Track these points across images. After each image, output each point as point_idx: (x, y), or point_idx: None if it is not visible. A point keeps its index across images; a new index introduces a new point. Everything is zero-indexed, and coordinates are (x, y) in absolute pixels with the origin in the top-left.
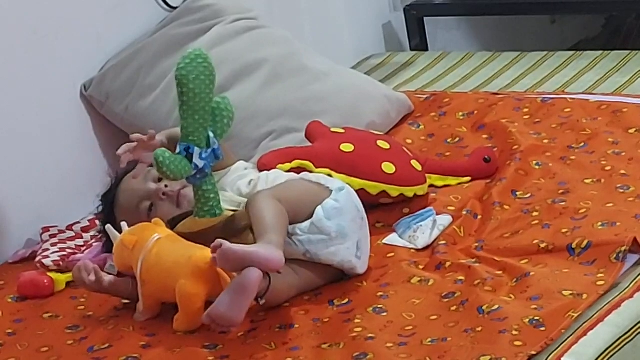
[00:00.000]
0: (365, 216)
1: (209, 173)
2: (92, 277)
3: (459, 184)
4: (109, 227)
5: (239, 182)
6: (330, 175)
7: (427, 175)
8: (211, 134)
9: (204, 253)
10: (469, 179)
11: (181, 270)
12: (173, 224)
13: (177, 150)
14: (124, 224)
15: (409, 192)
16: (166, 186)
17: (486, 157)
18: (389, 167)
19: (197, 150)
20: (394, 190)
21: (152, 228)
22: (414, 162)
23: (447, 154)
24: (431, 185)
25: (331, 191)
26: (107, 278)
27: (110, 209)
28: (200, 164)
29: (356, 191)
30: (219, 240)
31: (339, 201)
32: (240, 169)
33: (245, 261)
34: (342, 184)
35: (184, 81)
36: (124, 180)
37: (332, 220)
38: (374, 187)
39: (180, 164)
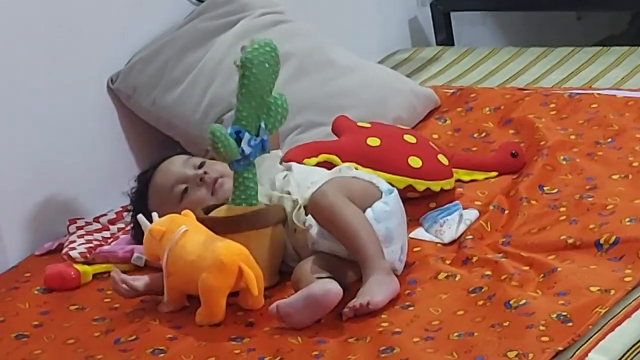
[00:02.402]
0: (406, 219)
1: (252, 162)
2: (125, 286)
3: (486, 178)
4: (140, 216)
5: (275, 175)
6: (356, 169)
7: (454, 170)
8: (263, 125)
9: (228, 246)
10: (496, 174)
11: (204, 263)
12: (208, 211)
13: (228, 131)
14: (154, 214)
15: (436, 186)
16: (205, 173)
17: (513, 152)
18: (415, 161)
19: (247, 135)
20: (420, 185)
21: (181, 220)
22: (440, 157)
23: (474, 148)
24: (458, 180)
25: (381, 192)
26: (139, 282)
27: (144, 189)
28: (247, 150)
29: None
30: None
31: (388, 204)
32: (278, 156)
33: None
34: (389, 186)
35: (248, 64)
36: (163, 163)
37: (381, 223)
38: (400, 181)
39: (231, 144)
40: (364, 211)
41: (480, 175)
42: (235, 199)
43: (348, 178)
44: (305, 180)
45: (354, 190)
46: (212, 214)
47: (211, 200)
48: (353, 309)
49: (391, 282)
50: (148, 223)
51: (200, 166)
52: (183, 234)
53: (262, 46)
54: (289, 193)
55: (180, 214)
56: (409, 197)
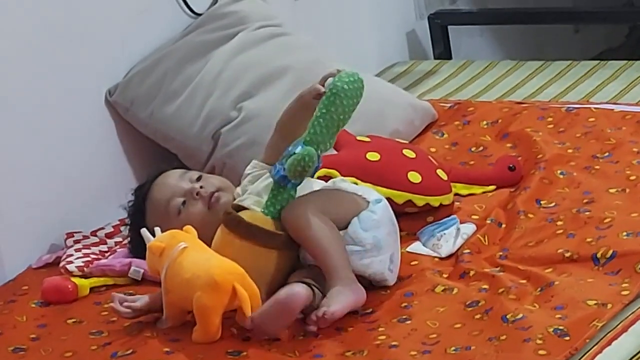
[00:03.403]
0: (398, 229)
1: (299, 184)
2: (124, 308)
3: (484, 192)
4: (144, 231)
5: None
6: (356, 184)
7: (451, 184)
8: (319, 153)
9: (222, 265)
10: (493, 187)
11: (198, 282)
12: (238, 209)
13: (290, 148)
14: (157, 229)
15: (435, 201)
16: (201, 187)
17: (511, 165)
18: (415, 177)
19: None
20: (420, 200)
21: (181, 236)
22: (439, 172)
23: (471, 162)
24: (456, 194)
25: (368, 202)
26: (139, 303)
27: (142, 202)
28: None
29: None
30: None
31: (376, 213)
32: None
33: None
34: (378, 195)
35: (341, 94)
36: (160, 177)
37: (368, 231)
38: (400, 197)
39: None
40: (350, 221)
41: (478, 189)
42: (266, 207)
43: (327, 191)
44: (297, 193)
45: (332, 201)
46: (240, 213)
47: (208, 215)
48: (312, 321)
49: (351, 293)
50: (151, 237)
51: (198, 180)
52: (181, 250)
53: (356, 80)
54: None
55: (179, 228)
56: (407, 212)
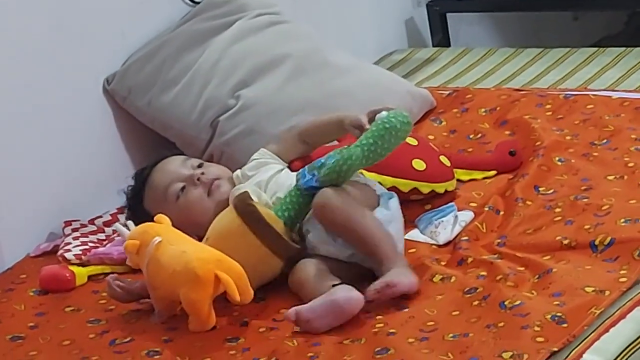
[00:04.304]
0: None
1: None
2: (121, 290)
3: (485, 178)
4: (117, 225)
5: (288, 182)
6: (361, 174)
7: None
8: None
9: (199, 257)
10: (494, 172)
11: (180, 278)
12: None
13: (322, 159)
14: (130, 223)
15: (440, 188)
16: (202, 174)
17: (511, 150)
18: (419, 164)
19: None
20: (425, 187)
21: (153, 230)
22: (442, 158)
23: (470, 150)
24: (457, 180)
25: (378, 195)
26: (135, 285)
27: (141, 187)
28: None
29: (387, 189)
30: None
31: (391, 209)
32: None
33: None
34: (386, 190)
35: (392, 131)
36: (161, 162)
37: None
38: (405, 185)
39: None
40: None
41: (479, 175)
42: (282, 211)
43: (352, 182)
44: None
45: (352, 193)
46: (256, 204)
47: (207, 202)
48: (373, 292)
49: (410, 274)
50: (126, 232)
51: (199, 167)
52: (157, 246)
53: (408, 123)
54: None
55: (176, 214)
56: (412, 199)
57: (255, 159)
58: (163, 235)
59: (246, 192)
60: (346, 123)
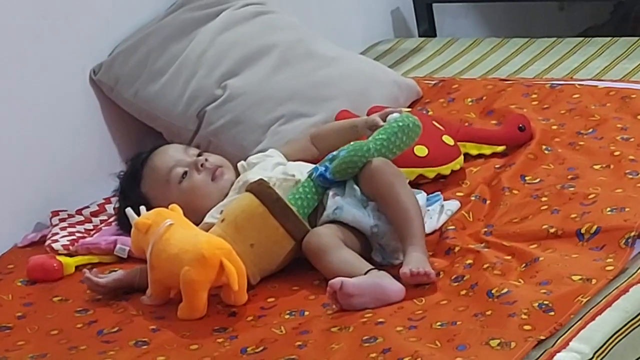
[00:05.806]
0: None
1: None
2: (93, 284)
3: (493, 153)
4: (128, 210)
5: (302, 168)
6: None
7: (461, 143)
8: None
9: (210, 241)
10: (503, 147)
11: (186, 257)
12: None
13: (334, 152)
14: (142, 208)
15: (446, 170)
16: (206, 160)
17: (521, 125)
18: (421, 150)
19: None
20: (430, 172)
21: (167, 214)
22: (445, 138)
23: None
24: (465, 154)
25: None
26: (107, 278)
27: (139, 170)
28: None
29: None
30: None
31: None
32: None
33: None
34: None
35: (405, 129)
36: (161, 147)
37: None
38: (410, 173)
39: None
40: None
41: (487, 149)
42: (293, 196)
43: None
44: (306, 167)
45: None
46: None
47: (211, 186)
48: (407, 275)
49: (427, 263)
50: (135, 216)
51: (199, 155)
52: (168, 227)
53: (419, 126)
54: (293, 176)
55: (177, 196)
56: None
57: (264, 155)
58: (176, 220)
59: (261, 178)
60: (360, 125)
